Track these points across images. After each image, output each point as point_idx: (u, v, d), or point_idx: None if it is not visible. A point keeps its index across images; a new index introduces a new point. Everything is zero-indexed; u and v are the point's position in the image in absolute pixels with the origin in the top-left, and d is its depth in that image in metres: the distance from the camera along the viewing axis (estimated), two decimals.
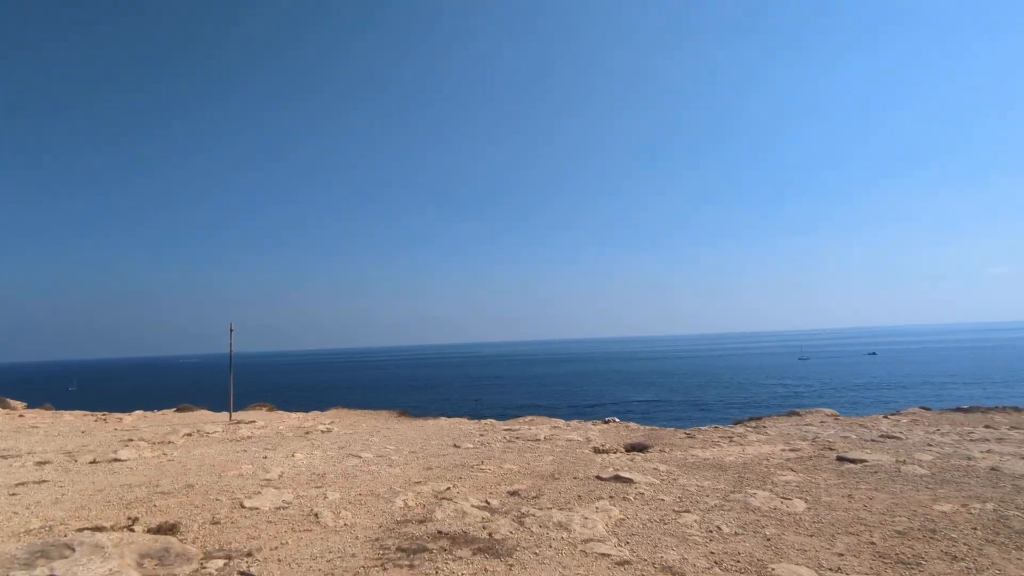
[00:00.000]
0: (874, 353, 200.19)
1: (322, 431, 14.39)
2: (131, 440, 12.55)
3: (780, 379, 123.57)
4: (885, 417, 14.80)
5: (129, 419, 16.83)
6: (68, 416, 17.88)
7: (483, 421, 16.25)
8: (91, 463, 10.23)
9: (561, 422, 15.88)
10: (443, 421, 16.20)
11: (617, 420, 16.03)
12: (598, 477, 8.87)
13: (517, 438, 12.96)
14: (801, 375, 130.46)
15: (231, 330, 16.69)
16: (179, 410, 18.87)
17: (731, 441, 12.32)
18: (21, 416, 17.59)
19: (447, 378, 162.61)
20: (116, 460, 10.44)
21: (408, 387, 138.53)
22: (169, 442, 12.55)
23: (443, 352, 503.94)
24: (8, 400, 23.40)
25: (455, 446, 12.06)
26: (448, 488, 8.36)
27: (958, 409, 15.68)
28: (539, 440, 12.70)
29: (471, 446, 12.06)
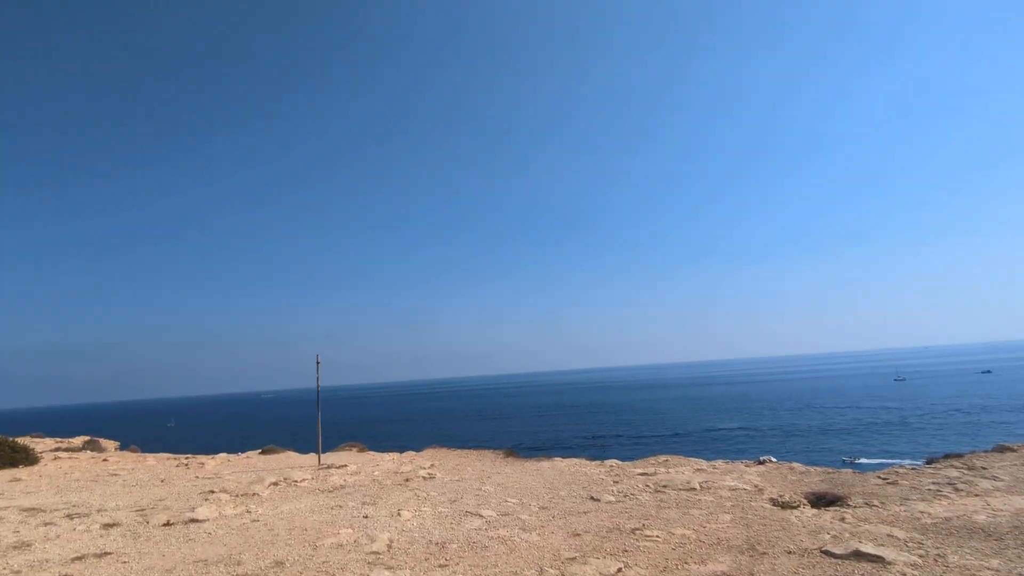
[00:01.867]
0: (989, 371, 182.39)
1: (424, 477, 12.34)
2: (212, 492, 10.88)
3: (880, 401, 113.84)
4: None
5: (212, 464, 15.41)
6: (151, 460, 16.71)
7: (607, 462, 13.78)
8: (164, 526, 8.50)
9: (703, 463, 13.20)
10: (560, 463, 13.85)
11: (773, 459, 13.21)
12: (826, 552, 6.27)
13: (664, 487, 10.43)
14: (900, 396, 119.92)
15: (318, 363, 15.08)
16: (264, 452, 17.41)
17: (956, 489, 9.35)
18: (105, 461, 16.54)
19: (516, 409, 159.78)
20: (193, 521, 8.68)
21: (495, 418, 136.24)
22: (254, 494, 10.79)
23: (501, 382, 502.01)
24: (100, 441, 22.87)
25: (592, 499, 9.68)
26: (620, 571, 6.01)
27: None
28: (694, 490, 10.13)
29: (612, 499, 9.64)
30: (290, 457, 16.59)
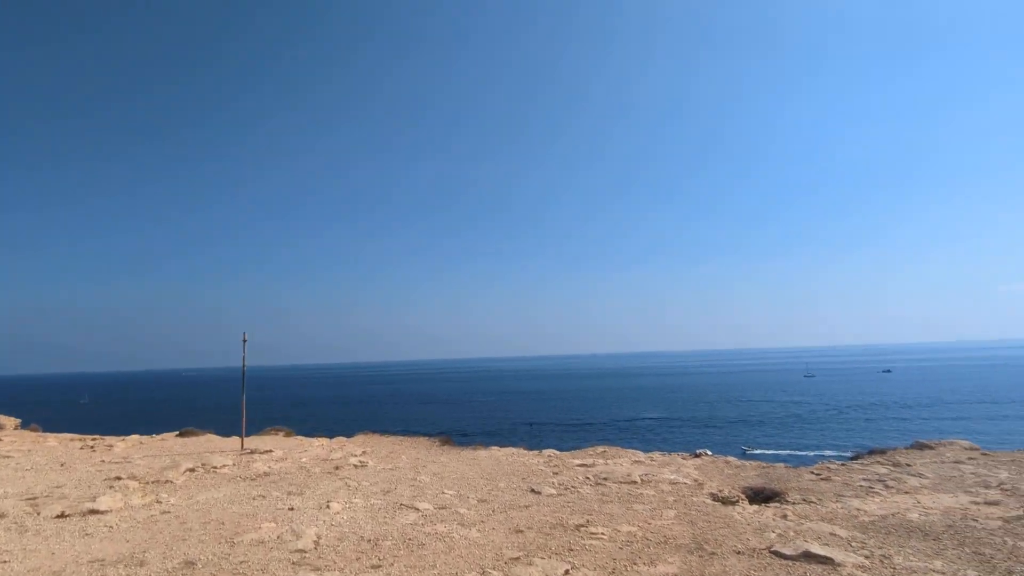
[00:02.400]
0: (889, 370, 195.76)
1: (355, 465, 11.70)
2: (119, 479, 9.90)
3: (791, 396, 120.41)
4: None
5: (122, 446, 14.19)
6: (52, 441, 15.26)
7: (544, 452, 13.51)
8: (58, 517, 7.58)
9: (641, 454, 13.13)
10: (498, 452, 13.48)
11: (709, 452, 13.29)
12: (776, 553, 6.15)
13: (605, 479, 10.23)
14: (810, 392, 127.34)
15: (244, 340, 14.08)
16: (182, 434, 16.21)
17: (886, 487, 9.57)
18: None
19: (460, 394, 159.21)
20: (93, 512, 7.79)
21: (429, 403, 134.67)
22: (167, 482, 9.89)
23: (440, 367, 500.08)
24: None
25: (533, 491, 9.35)
26: (567, 572, 5.67)
27: None
28: (635, 483, 9.97)
29: (553, 491, 9.34)
30: (211, 440, 15.51)
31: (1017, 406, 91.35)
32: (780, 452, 58.12)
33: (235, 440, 14.98)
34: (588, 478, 10.37)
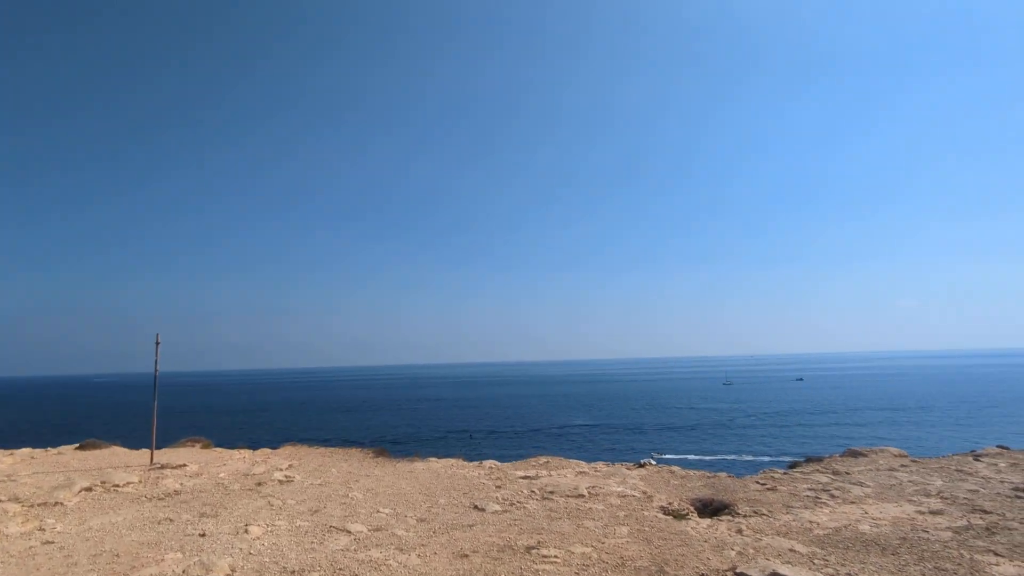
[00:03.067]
0: (801, 379, 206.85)
1: (280, 481, 10.70)
2: None
3: (713, 403, 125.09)
4: (976, 458, 12.35)
5: (8, 461, 12.55)
6: None
7: (485, 463, 12.88)
8: None
9: (584, 464, 12.72)
10: (435, 464, 12.72)
11: (654, 462, 13.02)
12: (741, 574, 5.77)
13: (551, 493, 9.71)
14: (729, 399, 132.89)
15: (157, 343, 12.74)
16: (81, 447, 14.56)
17: (832, 496, 9.49)
18: None
19: (391, 402, 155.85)
20: None
21: (359, 411, 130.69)
22: (56, 504, 8.64)
23: (369, 373, 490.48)
24: None
25: (476, 508, 8.70)
26: None
27: None
28: (583, 496, 9.51)
29: (498, 507, 8.73)
30: (115, 454, 14.00)
31: (923, 412, 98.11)
32: (705, 458, 59.76)
33: (144, 453, 13.57)
34: (533, 492, 9.83)
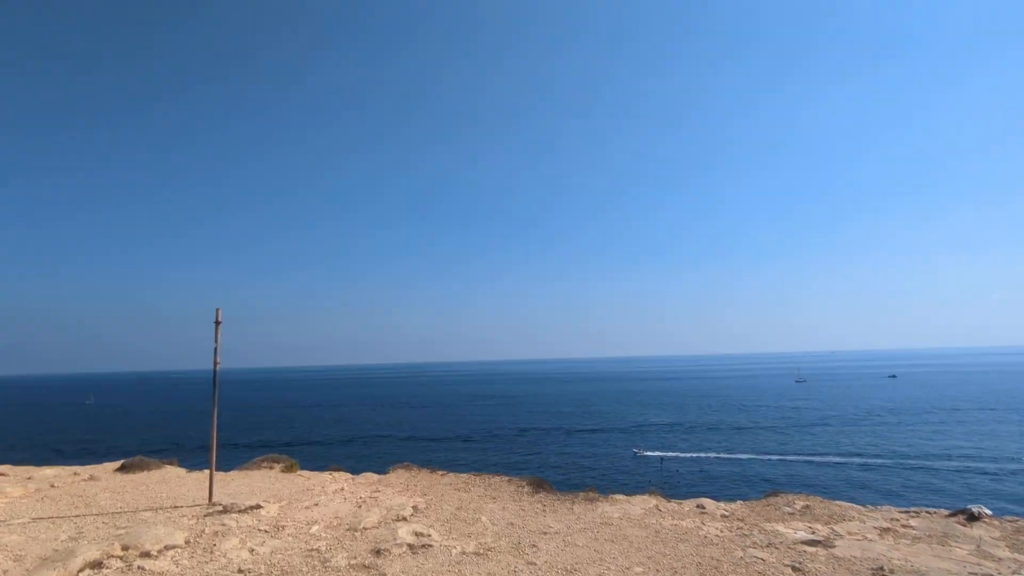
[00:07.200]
0: (895, 375, 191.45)
1: (411, 546, 6.28)
2: None
3: (792, 401, 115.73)
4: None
5: (15, 494, 8.71)
6: None
7: (708, 507, 8.09)
8: None
9: (878, 513, 7.74)
10: (631, 508, 7.94)
11: (989, 511, 7.91)
12: None
13: None
14: (802, 397, 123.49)
15: (217, 322, 8.58)
16: (123, 468, 10.68)
17: None
18: None
19: (507, 396, 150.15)
20: None
21: (464, 407, 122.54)
22: None
23: (435, 369, 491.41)
24: None
25: None
26: None
27: None
28: None
29: None
30: (164, 479, 10.01)
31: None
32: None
33: (203, 481, 9.48)
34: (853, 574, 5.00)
